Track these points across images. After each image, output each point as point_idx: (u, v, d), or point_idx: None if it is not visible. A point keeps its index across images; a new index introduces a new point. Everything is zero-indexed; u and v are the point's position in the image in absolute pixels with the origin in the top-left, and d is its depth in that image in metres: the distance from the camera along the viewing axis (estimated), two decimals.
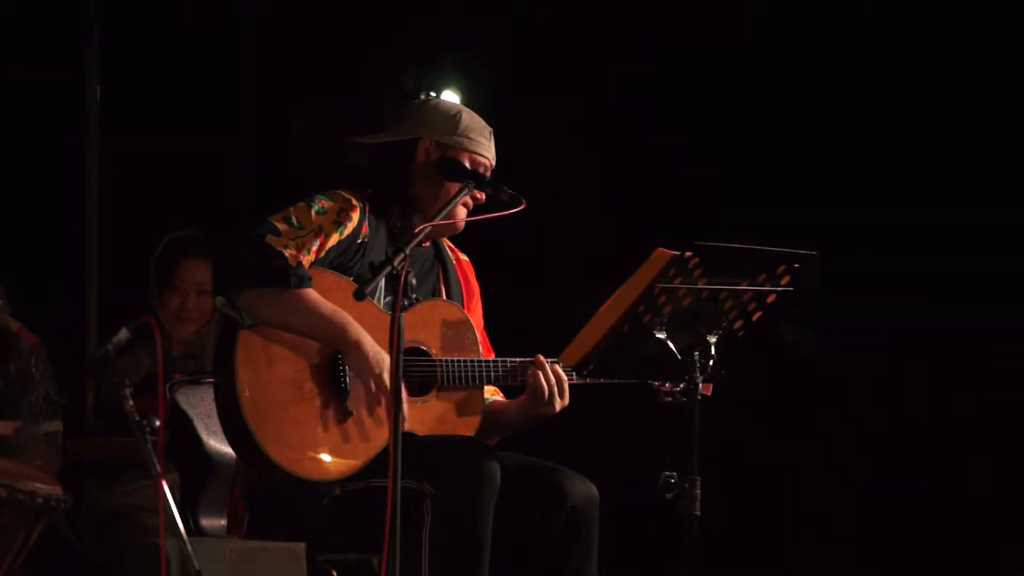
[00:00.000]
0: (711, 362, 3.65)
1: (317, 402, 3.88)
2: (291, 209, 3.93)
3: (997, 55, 5.93)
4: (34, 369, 4.77)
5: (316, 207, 3.94)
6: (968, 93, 5.98)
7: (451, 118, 4.12)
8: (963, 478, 5.92)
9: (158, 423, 3.48)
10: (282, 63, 6.31)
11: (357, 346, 3.86)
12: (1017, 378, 5.91)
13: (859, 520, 6.16)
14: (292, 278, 3.81)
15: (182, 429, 4.68)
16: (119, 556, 4.43)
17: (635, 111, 6.37)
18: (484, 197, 4.09)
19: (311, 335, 3.88)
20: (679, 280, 3.56)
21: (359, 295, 3.61)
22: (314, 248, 3.89)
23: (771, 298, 3.68)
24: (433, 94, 6.26)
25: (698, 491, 3.61)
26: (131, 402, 3.51)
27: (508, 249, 5.91)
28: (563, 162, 6.34)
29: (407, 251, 3.67)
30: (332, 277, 3.94)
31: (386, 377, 3.83)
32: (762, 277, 3.64)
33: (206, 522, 4.64)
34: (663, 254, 3.52)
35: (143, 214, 5.97)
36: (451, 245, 4.31)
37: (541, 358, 4.08)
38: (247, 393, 3.81)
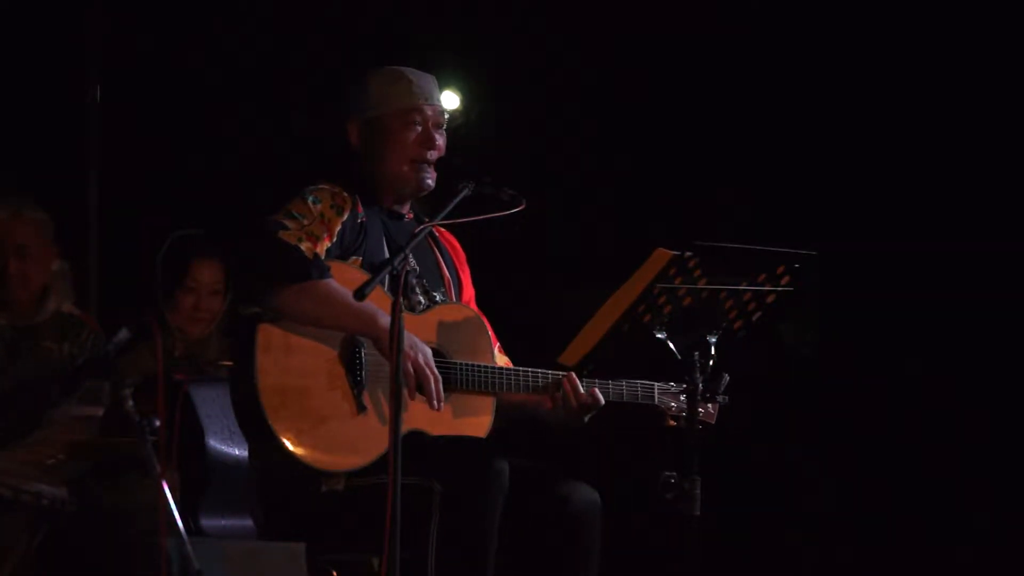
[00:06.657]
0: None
1: (332, 395, 3.86)
2: (289, 206, 3.91)
3: (999, 53, 5.94)
4: (88, 352, 4.92)
5: (311, 198, 3.93)
6: (967, 91, 5.98)
7: (364, 90, 4.07)
8: (963, 477, 5.92)
9: (158, 423, 3.48)
10: (282, 62, 6.31)
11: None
12: (1018, 376, 5.92)
13: (859, 520, 6.16)
14: (314, 270, 3.79)
15: (188, 429, 4.66)
16: (119, 556, 4.42)
17: (635, 111, 6.37)
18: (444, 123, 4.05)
19: (341, 325, 3.85)
20: (679, 280, 3.56)
21: (360, 295, 3.59)
22: (324, 236, 3.88)
23: (771, 298, 3.69)
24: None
25: (698, 491, 3.61)
26: (131, 402, 3.50)
27: (508, 249, 5.91)
28: (563, 162, 6.35)
29: (407, 251, 3.68)
30: (346, 268, 3.91)
31: (422, 361, 3.84)
32: (762, 277, 3.65)
33: (206, 522, 4.63)
34: (663, 254, 3.52)
35: (143, 214, 5.96)
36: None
37: (574, 378, 4.02)
38: (265, 379, 3.78)
